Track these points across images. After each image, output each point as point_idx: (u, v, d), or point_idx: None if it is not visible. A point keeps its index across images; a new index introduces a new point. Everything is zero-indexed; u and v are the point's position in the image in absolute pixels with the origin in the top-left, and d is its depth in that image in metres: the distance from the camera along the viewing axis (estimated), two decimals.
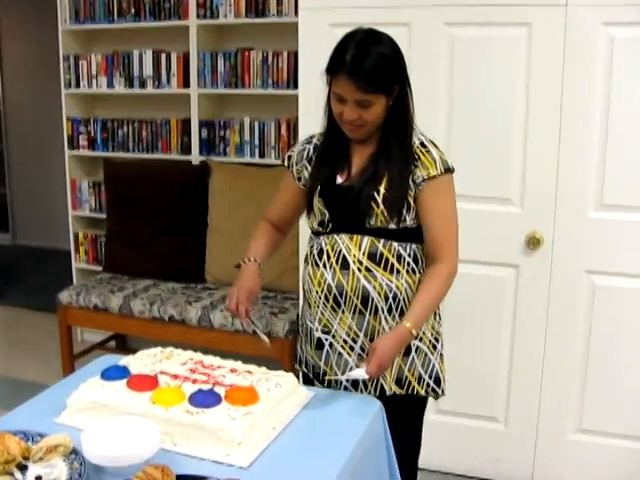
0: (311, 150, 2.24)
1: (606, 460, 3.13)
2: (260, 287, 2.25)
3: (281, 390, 1.92)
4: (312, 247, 2.22)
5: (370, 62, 1.95)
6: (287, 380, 1.98)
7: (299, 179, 2.26)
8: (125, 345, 4.90)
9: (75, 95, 4.78)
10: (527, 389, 3.14)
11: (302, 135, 3.25)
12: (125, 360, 2.09)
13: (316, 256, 2.18)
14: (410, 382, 2.18)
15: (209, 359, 2.10)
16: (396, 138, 2.08)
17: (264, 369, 2.05)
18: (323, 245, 2.15)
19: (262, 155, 4.33)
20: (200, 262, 4.35)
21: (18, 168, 7.60)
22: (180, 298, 4.05)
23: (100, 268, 4.73)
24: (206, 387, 1.89)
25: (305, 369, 2.34)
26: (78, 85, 4.72)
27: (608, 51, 2.76)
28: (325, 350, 2.20)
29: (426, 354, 2.20)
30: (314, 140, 2.26)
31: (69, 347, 4.33)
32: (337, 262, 2.12)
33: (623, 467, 3.11)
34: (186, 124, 4.49)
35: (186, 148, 4.52)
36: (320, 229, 2.17)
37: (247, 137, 4.35)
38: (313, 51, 3.14)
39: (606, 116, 2.81)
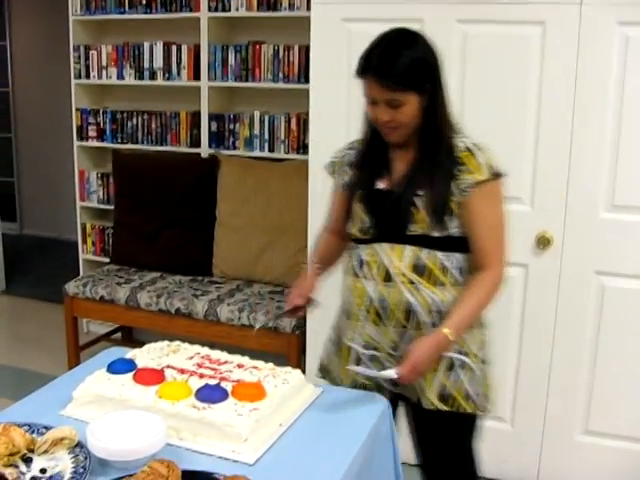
0: (352, 156, 2.19)
1: (613, 462, 3.11)
2: (314, 286, 2.21)
3: (288, 387, 1.91)
4: (352, 257, 2.15)
5: (395, 59, 1.91)
6: (294, 377, 1.97)
7: (343, 186, 2.20)
8: (131, 337, 4.89)
9: (85, 86, 4.77)
10: (534, 389, 3.12)
11: (312, 130, 3.26)
12: (132, 353, 2.09)
13: (356, 267, 2.12)
14: (455, 398, 2.09)
15: (216, 354, 2.09)
16: (435, 141, 2.01)
17: (271, 365, 2.04)
18: (363, 256, 2.09)
19: (272, 149, 4.30)
20: (208, 256, 4.34)
21: (27, 158, 7.58)
22: (187, 291, 4.05)
23: (107, 260, 4.72)
24: (213, 382, 1.88)
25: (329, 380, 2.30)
26: (88, 76, 4.71)
27: (622, 51, 2.74)
28: (362, 364, 2.12)
29: (473, 370, 2.10)
30: (355, 145, 2.21)
31: (75, 339, 4.33)
32: (379, 274, 2.06)
33: (630, 469, 3.09)
34: (196, 117, 4.47)
35: (195, 141, 4.50)
36: (361, 236, 2.10)
37: (257, 131, 4.32)
38: (325, 45, 3.14)
39: (619, 116, 2.79)
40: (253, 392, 1.83)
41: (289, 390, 1.90)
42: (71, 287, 4.24)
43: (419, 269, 2.02)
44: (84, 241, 4.95)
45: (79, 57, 4.69)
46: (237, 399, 1.80)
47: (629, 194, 2.84)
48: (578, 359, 3.03)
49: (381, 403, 2.01)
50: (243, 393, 1.82)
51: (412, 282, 2.02)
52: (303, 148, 4.15)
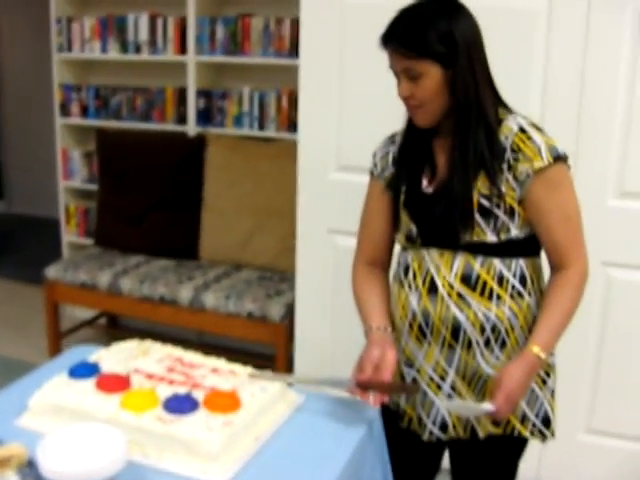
0: (396, 152, 1.89)
1: (616, 462, 2.96)
2: (394, 356, 1.77)
3: (266, 395, 1.73)
4: (399, 263, 1.90)
5: (408, 22, 1.69)
6: (274, 383, 1.79)
7: (387, 189, 1.90)
8: (116, 323, 4.73)
9: (67, 60, 4.56)
10: None
11: (302, 108, 3.07)
12: (97, 355, 1.91)
13: (402, 274, 1.86)
14: (509, 421, 1.84)
15: (189, 356, 1.91)
16: (470, 123, 1.71)
17: (249, 369, 1.86)
18: (410, 261, 1.83)
19: (262, 127, 4.13)
20: (194, 239, 4.16)
21: (10, 135, 7.41)
22: (172, 277, 3.87)
23: (91, 241, 4.54)
24: (183, 390, 1.70)
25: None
26: (70, 50, 4.50)
27: (635, 27, 2.53)
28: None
29: (533, 390, 1.83)
30: (397, 138, 1.91)
31: (55, 325, 4.17)
32: (424, 284, 1.79)
33: (634, 469, 2.95)
34: (182, 93, 4.28)
35: (182, 118, 4.32)
36: (408, 244, 1.85)
37: (246, 108, 4.14)
38: (316, 19, 2.95)
39: (630, 97, 2.59)
40: (227, 402, 1.65)
41: (267, 399, 1.72)
42: (51, 271, 4.07)
43: (470, 281, 1.75)
44: (67, 222, 4.76)
45: (61, 30, 4.47)
46: (209, 410, 1.63)
47: None
48: (582, 355, 2.86)
49: (370, 412, 1.82)
50: (216, 403, 1.64)
51: (461, 295, 1.75)
52: (294, 127, 3.93)
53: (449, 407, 1.81)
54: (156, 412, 1.61)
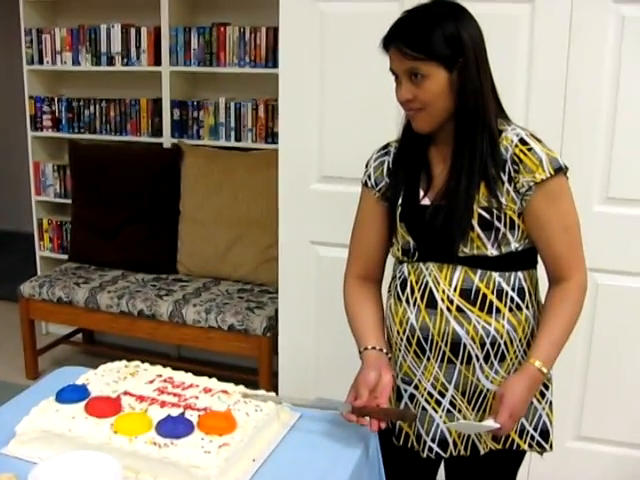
0: (390, 162, 1.84)
1: (606, 469, 2.95)
2: (390, 380, 1.73)
3: (262, 415, 1.68)
4: (395, 277, 1.85)
5: (413, 22, 1.64)
6: (268, 402, 1.74)
7: (382, 200, 1.85)
8: (92, 339, 4.64)
9: (38, 72, 4.49)
10: None
11: (282, 118, 3.03)
12: (84, 377, 1.85)
13: (399, 288, 1.81)
14: (508, 435, 1.79)
15: (180, 376, 1.86)
16: (473, 131, 1.67)
17: (242, 388, 1.81)
18: (407, 274, 1.79)
19: (238, 138, 4.08)
20: (172, 252, 4.11)
21: None
22: (150, 291, 3.81)
23: (66, 257, 4.46)
24: (176, 412, 1.65)
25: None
26: (41, 61, 4.43)
27: (618, 31, 2.52)
28: (403, 403, 1.85)
29: (531, 403, 1.78)
30: (391, 149, 1.86)
31: (32, 342, 4.10)
32: (422, 298, 1.75)
33: (623, 476, 2.93)
34: (157, 104, 4.23)
35: (157, 130, 4.26)
36: (405, 258, 1.80)
37: (222, 119, 4.10)
38: (295, 27, 2.90)
39: (614, 101, 2.58)
40: (222, 423, 1.60)
41: (263, 419, 1.67)
42: (26, 288, 3.98)
43: (470, 295, 1.71)
44: (41, 237, 4.67)
45: (31, 41, 4.40)
46: (204, 432, 1.58)
47: (625, 185, 2.64)
48: (570, 361, 2.84)
49: (366, 430, 1.76)
50: (211, 425, 1.59)
51: (461, 309, 1.72)
52: (272, 137, 3.94)
53: (453, 427, 1.77)
54: (149, 436, 1.56)
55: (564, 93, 2.61)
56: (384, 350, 1.80)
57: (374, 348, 1.79)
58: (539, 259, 1.81)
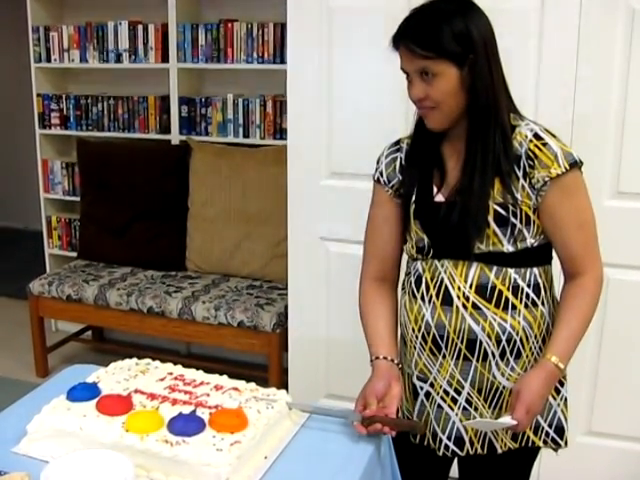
0: (403, 158, 1.83)
1: (616, 464, 2.94)
2: (399, 391, 1.73)
3: (273, 412, 1.68)
4: (409, 273, 1.84)
5: (421, 20, 1.63)
6: (280, 399, 1.74)
7: (395, 198, 1.84)
8: (102, 336, 4.65)
9: (46, 70, 4.49)
10: None
11: (291, 113, 3.02)
12: (95, 375, 1.85)
13: (413, 285, 1.80)
14: (524, 432, 1.79)
15: (191, 373, 1.85)
16: (486, 128, 1.66)
17: (253, 385, 1.80)
18: (421, 271, 1.78)
19: (246, 135, 4.07)
20: (180, 249, 4.11)
21: None
22: (159, 288, 3.81)
23: (74, 254, 4.46)
24: (187, 409, 1.65)
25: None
26: (49, 59, 4.43)
27: (628, 24, 2.51)
28: (419, 400, 1.84)
29: (547, 399, 1.76)
30: (403, 145, 1.85)
31: (42, 340, 4.10)
32: (438, 296, 1.74)
33: (634, 471, 2.92)
34: (165, 101, 4.22)
35: (165, 127, 4.25)
36: (419, 256, 1.79)
37: (230, 115, 4.08)
38: (303, 22, 2.90)
39: (624, 94, 2.57)
40: (234, 422, 1.59)
41: (274, 416, 1.67)
42: (36, 286, 3.99)
43: (485, 291, 1.70)
44: (50, 235, 4.68)
45: (39, 39, 4.40)
46: (215, 430, 1.57)
47: (635, 180, 2.63)
48: (581, 356, 2.80)
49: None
50: (222, 423, 1.59)
51: (477, 307, 1.71)
52: (280, 133, 3.93)
53: (470, 425, 1.76)
54: (161, 433, 1.56)
55: (574, 87, 2.60)
56: (395, 361, 1.80)
57: (385, 358, 1.78)
58: (554, 255, 1.80)
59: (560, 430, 1.83)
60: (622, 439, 2.90)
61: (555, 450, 1.86)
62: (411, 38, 1.62)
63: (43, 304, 4.01)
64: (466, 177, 1.69)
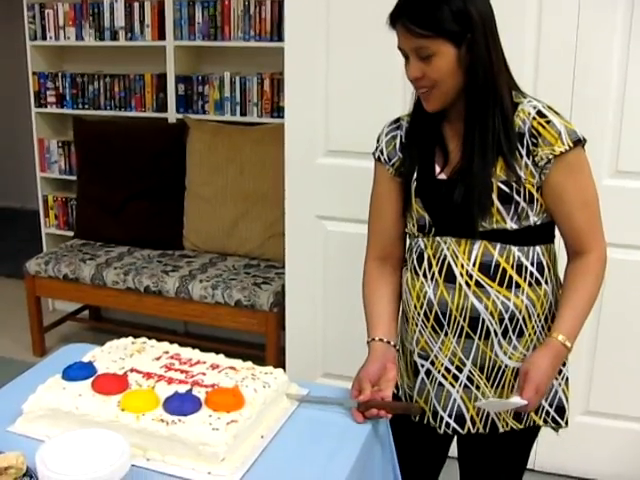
0: (403, 136, 1.80)
1: (614, 443, 2.95)
2: (394, 374, 1.74)
3: (270, 391, 1.67)
4: (412, 250, 1.81)
5: (426, 1, 1.59)
6: (277, 378, 1.73)
7: (396, 176, 1.82)
8: (99, 315, 4.65)
9: (41, 48, 4.46)
10: None
11: (288, 92, 2.99)
12: (91, 354, 1.83)
13: (415, 262, 1.78)
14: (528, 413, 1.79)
15: (187, 352, 1.84)
16: (485, 106, 1.63)
17: (249, 364, 1.79)
18: (423, 248, 1.76)
19: (243, 113, 4.05)
20: (178, 228, 4.09)
21: None
22: (156, 267, 3.80)
23: (71, 233, 4.45)
24: (184, 388, 1.64)
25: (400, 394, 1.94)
26: (44, 37, 4.40)
27: (628, 4, 2.49)
28: (420, 378, 1.83)
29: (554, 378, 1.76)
30: (403, 123, 1.82)
31: (39, 319, 4.10)
32: (440, 273, 1.72)
33: (631, 451, 2.93)
34: (161, 79, 4.19)
35: (162, 105, 4.23)
36: (420, 234, 1.78)
37: (227, 93, 4.06)
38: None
39: (624, 73, 2.56)
40: (230, 400, 1.58)
41: (271, 395, 1.66)
42: (32, 265, 3.98)
43: (489, 269, 1.69)
44: (46, 214, 4.67)
45: (34, 17, 4.37)
46: (212, 409, 1.56)
47: (635, 158, 2.62)
48: (579, 336, 2.81)
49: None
50: (219, 402, 1.58)
51: (480, 284, 1.69)
52: (277, 111, 3.90)
53: (481, 406, 1.75)
54: (157, 413, 1.55)
55: (573, 65, 2.58)
56: (392, 342, 1.79)
57: (382, 340, 1.78)
58: (557, 233, 1.78)
59: (561, 410, 1.82)
60: (620, 419, 2.92)
61: (555, 430, 1.86)
62: (408, 16, 1.59)
63: (40, 283, 4.00)
64: (466, 158, 1.67)
